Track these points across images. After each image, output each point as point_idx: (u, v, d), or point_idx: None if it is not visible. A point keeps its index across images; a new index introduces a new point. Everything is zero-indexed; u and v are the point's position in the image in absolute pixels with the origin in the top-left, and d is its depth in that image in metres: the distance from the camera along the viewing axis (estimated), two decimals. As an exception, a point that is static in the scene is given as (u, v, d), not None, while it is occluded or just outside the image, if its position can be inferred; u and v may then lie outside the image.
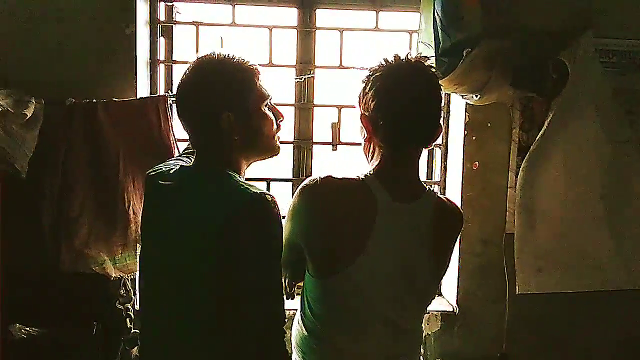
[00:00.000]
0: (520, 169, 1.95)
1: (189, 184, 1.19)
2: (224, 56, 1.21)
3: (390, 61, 1.24)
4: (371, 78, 1.23)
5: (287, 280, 1.40)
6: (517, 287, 1.97)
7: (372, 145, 1.27)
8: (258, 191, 1.10)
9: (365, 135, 1.27)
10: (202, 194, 1.15)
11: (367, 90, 1.23)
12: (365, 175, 1.21)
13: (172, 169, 1.25)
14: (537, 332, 2.10)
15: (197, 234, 1.11)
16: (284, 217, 1.20)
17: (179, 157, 1.50)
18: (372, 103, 1.21)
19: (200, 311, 1.13)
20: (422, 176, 2.22)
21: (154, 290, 1.24)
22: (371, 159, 1.27)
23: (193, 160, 1.26)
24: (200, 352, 1.14)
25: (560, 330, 2.11)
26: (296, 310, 1.37)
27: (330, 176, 1.19)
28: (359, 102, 1.27)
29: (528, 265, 1.97)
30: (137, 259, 1.78)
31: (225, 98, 1.18)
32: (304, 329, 1.28)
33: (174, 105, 1.97)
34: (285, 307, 1.15)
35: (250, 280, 1.08)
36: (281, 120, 1.31)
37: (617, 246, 1.98)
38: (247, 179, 2.06)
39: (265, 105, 1.24)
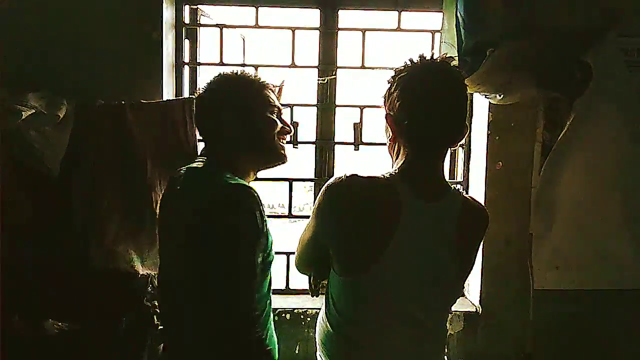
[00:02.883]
0: (542, 168, 1.95)
1: (189, 183, 1.28)
2: (235, 72, 1.39)
3: (415, 62, 1.25)
4: (396, 78, 1.24)
5: (312, 278, 1.43)
6: (533, 284, 1.97)
7: (397, 145, 1.28)
8: (234, 182, 1.20)
9: (391, 135, 1.28)
10: (195, 188, 1.25)
11: (392, 90, 1.24)
12: (391, 174, 1.22)
13: (183, 173, 1.32)
14: (561, 332, 2.08)
15: (183, 228, 1.21)
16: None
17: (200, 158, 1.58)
18: (397, 103, 1.22)
19: (189, 295, 1.22)
20: (445, 176, 2.21)
21: (164, 283, 1.35)
22: (396, 159, 1.28)
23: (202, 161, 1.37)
24: (192, 333, 1.23)
25: (584, 331, 2.08)
26: (318, 308, 1.41)
27: (355, 175, 1.20)
28: (384, 103, 1.28)
29: (545, 262, 1.98)
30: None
31: (223, 100, 1.33)
32: (328, 326, 1.29)
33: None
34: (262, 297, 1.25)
35: (217, 262, 1.15)
36: (288, 133, 1.41)
37: (636, 246, 1.96)
38: (269, 179, 2.13)
39: (272, 113, 1.36)
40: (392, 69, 1.28)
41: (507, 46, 1.75)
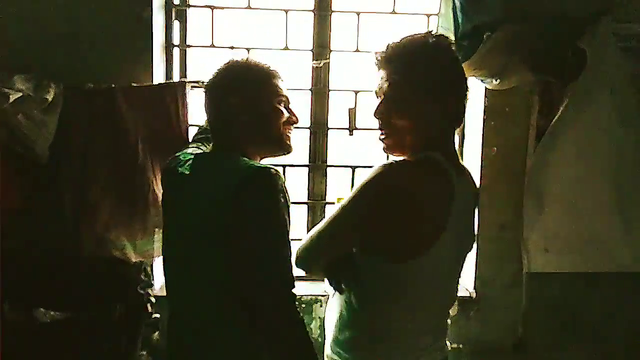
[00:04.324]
0: (534, 151, 1.96)
1: (203, 167, 1.28)
2: (246, 59, 1.38)
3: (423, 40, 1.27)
4: (420, 56, 1.23)
5: (333, 275, 1.32)
6: (524, 266, 2.00)
7: (419, 124, 1.22)
8: (260, 165, 1.20)
9: (407, 116, 1.22)
10: (212, 171, 1.26)
11: (428, 69, 1.23)
12: (433, 153, 1.20)
13: (188, 158, 1.33)
14: (554, 316, 2.12)
15: (206, 207, 1.20)
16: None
17: (195, 143, 1.60)
18: (430, 79, 1.21)
19: (214, 279, 1.21)
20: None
21: (174, 268, 1.34)
22: (413, 139, 1.23)
23: (211, 148, 1.39)
24: (218, 320, 1.23)
25: (577, 315, 2.13)
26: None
27: (406, 159, 1.21)
28: (407, 81, 1.22)
29: (536, 245, 2.01)
30: (158, 245, 1.80)
31: (230, 86, 1.32)
32: (357, 322, 1.27)
33: (190, 91, 1.97)
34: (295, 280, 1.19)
35: (255, 246, 1.16)
36: (294, 123, 1.39)
37: (625, 229, 2.00)
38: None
39: (280, 103, 1.34)
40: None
41: (504, 30, 1.74)
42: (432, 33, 1.27)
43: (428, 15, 2.09)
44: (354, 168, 2.19)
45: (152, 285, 1.83)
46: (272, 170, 1.18)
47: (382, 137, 1.27)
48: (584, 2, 1.92)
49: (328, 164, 2.18)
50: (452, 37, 1.82)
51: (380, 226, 1.17)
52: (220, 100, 1.32)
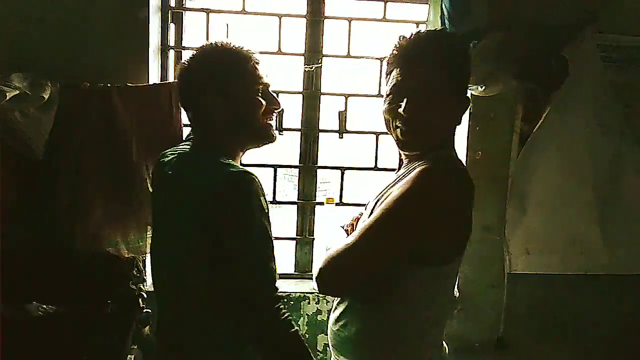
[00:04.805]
0: (517, 156, 2.03)
1: (183, 167, 1.26)
2: (219, 44, 1.29)
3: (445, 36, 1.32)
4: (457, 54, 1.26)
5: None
6: (506, 267, 2.07)
7: (448, 123, 1.25)
8: (237, 169, 1.17)
9: (439, 115, 1.22)
10: (190, 172, 1.24)
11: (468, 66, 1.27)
12: (451, 154, 1.24)
13: (171, 157, 1.31)
14: (536, 316, 2.17)
15: (186, 210, 1.19)
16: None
17: (185, 141, 1.55)
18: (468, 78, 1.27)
19: (198, 281, 1.21)
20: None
21: (159, 267, 1.34)
22: (433, 137, 1.23)
23: (189, 143, 1.35)
24: (201, 320, 1.23)
25: (559, 315, 2.19)
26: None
27: (447, 164, 1.20)
28: (444, 84, 1.21)
29: (517, 247, 2.09)
30: (148, 243, 1.83)
31: (204, 82, 1.25)
32: (401, 335, 1.24)
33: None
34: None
35: (233, 248, 1.14)
36: (276, 109, 1.32)
37: (603, 233, 2.09)
38: (253, 165, 2.13)
39: (259, 92, 1.28)
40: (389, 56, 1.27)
41: (490, 38, 1.81)
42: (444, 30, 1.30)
43: (417, 23, 2.15)
44: (343, 170, 2.24)
45: (144, 280, 1.86)
46: (247, 174, 1.15)
47: (402, 133, 1.22)
48: (569, 12, 1.99)
49: (318, 165, 2.23)
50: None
51: (433, 233, 1.14)
52: (196, 99, 1.27)
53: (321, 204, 2.15)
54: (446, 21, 1.87)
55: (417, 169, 1.16)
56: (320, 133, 2.20)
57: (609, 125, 2.04)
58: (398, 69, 1.22)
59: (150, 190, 1.83)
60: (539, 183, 2.07)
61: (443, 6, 1.87)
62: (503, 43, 1.83)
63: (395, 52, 1.25)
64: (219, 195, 1.14)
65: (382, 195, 1.23)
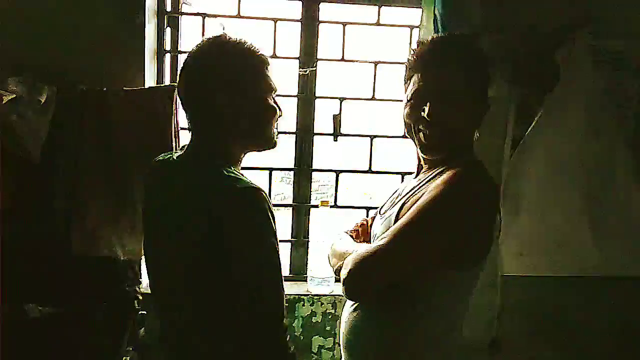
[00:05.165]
0: (510, 159, 2.05)
1: (181, 174, 1.18)
2: (235, 40, 1.18)
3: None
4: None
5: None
6: (499, 269, 2.08)
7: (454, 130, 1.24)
8: (247, 185, 1.09)
9: (467, 120, 1.26)
10: (192, 185, 1.14)
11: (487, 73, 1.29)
12: (475, 160, 1.27)
13: (168, 163, 1.24)
14: (528, 317, 2.18)
15: (187, 227, 1.11)
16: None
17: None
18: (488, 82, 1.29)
19: (197, 302, 1.14)
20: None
21: (156, 280, 1.28)
22: (457, 141, 1.25)
23: (187, 146, 1.23)
24: (202, 343, 1.17)
25: (552, 315, 2.20)
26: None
27: (477, 169, 1.22)
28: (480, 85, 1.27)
29: (511, 249, 2.10)
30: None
31: (226, 80, 1.15)
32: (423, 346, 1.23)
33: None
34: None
35: (242, 272, 1.08)
36: (280, 116, 1.27)
37: (594, 234, 2.11)
38: (248, 168, 2.15)
39: (272, 98, 1.23)
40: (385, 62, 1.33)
41: (483, 42, 1.83)
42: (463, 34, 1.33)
43: (411, 27, 2.18)
44: (337, 172, 2.26)
45: (139, 282, 1.87)
46: (258, 191, 1.08)
47: (425, 137, 1.23)
48: (561, 16, 2.02)
49: (313, 168, 2.25)
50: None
51: (467, 235, 1.14)
52: (207, 96, 1.16)
53: (316, 206, 2.17)
54: (439, 25, 1.90)
55: (450, 172, 1.16)
56: (315, 136, 2.22)
57: (600, 128, 2.06)
58: (419, 74, 1.24)
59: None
60: (532, 186, 2.09)
61: (436, 10, 1.90)
62: (495, 47, 1.86)
63: (414, 57, 1.27)
64: (229, 213, 1.07)
65: (408, 199, 1.23)
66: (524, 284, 2.14)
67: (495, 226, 1.24)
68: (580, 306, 2.20)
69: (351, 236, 1.44)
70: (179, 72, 1.23)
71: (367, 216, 2.21)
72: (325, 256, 1.43)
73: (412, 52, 1.29)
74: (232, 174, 1.11)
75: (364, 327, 1.25)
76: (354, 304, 1.29)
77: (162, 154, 1.32)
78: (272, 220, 1.10)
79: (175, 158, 1.23)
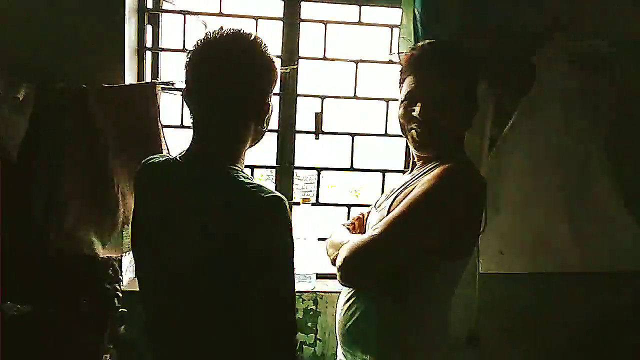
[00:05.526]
0: (488, 158, 2.08)
1: (194, 178, 1.09)
2: (257, 37, 1.12)
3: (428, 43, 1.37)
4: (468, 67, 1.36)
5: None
6: (479, 267, 2.12)
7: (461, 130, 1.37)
8: (270, 194, 1.03)
9: (454, 121, 1.32)
10: (209, 193, 1.06)
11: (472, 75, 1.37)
12: (465, 157, 1.33)
13: (167, 160, 1.18)
14: (506, 313, 2.23)
15: (205, 237, 1.04)
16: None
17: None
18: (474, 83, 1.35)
19: (209, 316, 1.08)
20: (400, 167, 2.32)
21: (157, 291, 1.17)
22: (451, 144, 1.34)
23: (191, 148, 1.14)
24: (208, 349, 1.11)
25: (529, 312, 2.24)
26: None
27: (465, 164, 1.30)
28: (465, 89, 1.33)
29: (491, 247, 2.14)
30: (127, 241, 1.85)
31: (267, 83, 1.13)
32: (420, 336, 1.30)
33: (161, 94, 2.03)
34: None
35: (261, 287, 1.03)
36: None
37: (572, 232, 2.16)
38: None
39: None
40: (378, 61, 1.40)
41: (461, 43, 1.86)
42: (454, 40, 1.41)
43: (391, 27, 2.19)
44: (319, 170, 2.28)
45: (119, 280, 1.88)
46: (282, 200, 1.03)
47: (417, 135, 1.31)
48: (538, 18, 2.05)
49: (295, 165, 2.26)
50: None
51: (456, 227, 1.21)
52: (224, 95, 1.09)
53: (297, 204, 2.18)
54: (419, 25, 1.92)
55: (441, 168, 1.24)
56: (296, 134, 2.24)
57: (576, 128, 2.11)
58: (412, 77, 1.33)
59: (131, 192, 1.85)
60: (510, 185, 2.13)
61: (416, 11, 1.92)
62: (473, 49, 1.89)
63: (408, 61, 1.35)
64: (254, 223, 1.01)
65: (400, 193, 1.31)
66: (503, 281, 2.18)
67: (482, 221, 1.33)
68: (558, 302, 2.25)
69: (348, 229, 1.52)
70: (192, 65, 1.11)
71: (350, 214, 2.27)
72: (324, 248, 1.48)
73: (406, 56, 1.37)
74: (249, 179, 1.07)
75: (362, 315, 1.30)
76: (349, 295, 1.35)
77: (155, 156, 1.23)
78: (292, 230, 1.07)
79: (178, 159, 1.14)
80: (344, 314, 1.35)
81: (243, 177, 1.07)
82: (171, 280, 1.12)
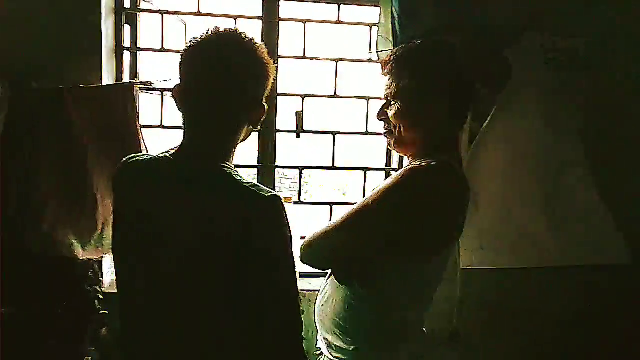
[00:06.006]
0: (468, 154, 2.11)
1: (188, 177, 1.07)
2: (253, 38, 1.12)
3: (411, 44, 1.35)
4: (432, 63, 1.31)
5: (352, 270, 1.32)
6: (460, 263, 2.14)
7: (434, 130, 1.30)
8: (270, 193, 1.03)
9: (415, 122, 1.30)
10: (205, 193, 1.04)
11: (423, 75, 1.30)
12: (447, 160, 1.25)
13: (154, 158, 1.14)
14: (488, 308, 2.25)
15: (203, 237, 1.02)
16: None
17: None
18: (434, 84, 1.28)
19: (209, 320, 1.06)
20: (381, 164, 2.33)
21: (146, 295, 1.12)
22: (426, 145, 1.31)
23: (182, 145, 1.13)
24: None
25: (509, 306, 2.26)
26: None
27: (430, 164, 1.21)
28: (420, 89, 1.29)
29: (471, 243, 2.16)
30: (107, 242, 1.83)
31: (262, 84, 1.14)
32: (375, 314, 1.31)
33: (140, 94, 2.02)
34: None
35: (265, 286, 1.02)
36: None
37: (550, 226, 2.17)
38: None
39: None
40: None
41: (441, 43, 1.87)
42: (435, 38, 1.39)
43: (370, 25, 2.20)
44: (301, 169, 2.29)
45: (99, 282, 1.86)
46: (278, 198, 1.03)
47: (389, 136, 1.35)
48: (512, 15, 2.08)
49: (276, 164, 2.26)
50: (391, 46, 1.94)
51: (409, 228, 1.20)
52: (232, 91, 1.08)
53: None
54: (396, 24, 1.93)
55: (406, 167, 1.25)
56: (277, 133, 2.24)
57: (553, 123, 2.13)
58: (387, 79, 1.34)
59: (109, 192, 1.84)
60: (490, 180, 2.15)
61: (393, 9, 1.93)
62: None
63: (385, 63, 1.36)
64: (250, 223, 1.00)
65: (375, 188, 1.33)
66: (482, 275, 2.20)
67: (457, 225, 1.30)
68: (538, 296, 2.28)
69: None
70: (187, 63, 1.10)
71: (332, 213, 2.27)
72: None
73: (383, 59, 1.39)
74: (243, 178, 1.06)
75: (331, 301, 1.35)
76: (324, 282, 1.42)
77: (136, 155, 1.19)
78: (290, 229, 1.07)
79: (168, 156, 1.11)
80: (320, 301, 1.42)
81: (238, 176, 1.06)
82: (163, 283, 1.07)
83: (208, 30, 1.10)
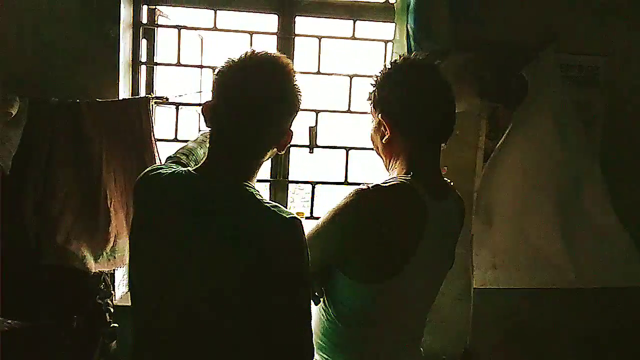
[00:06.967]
0: (482, 171, 2.09)
1: (208, 197, 1.07)
2: (289, 64, 1.13)
3: (399, 61, 1.29)
4: (387, 77, 1.26)
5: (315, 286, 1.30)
6: (473, 282, 2.10)
7: (395, 147, 1.26)
8: (290, 215, 1.03)
9: (387, 136, 1.25)
10: (227, 212, 1.04)
11: (386, 89, 1.26)
12: (406, 179, 1.19)
13: (177, 172, 1.12)
14: (501, 328, 2.21)
15: (223, 255, 1.02)
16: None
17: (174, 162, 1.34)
18: (396, 101, 1.23)
19: (223, 335, 1.05)
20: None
21: (161, 308, 1.10)
22: (395, 161, 1.27)
23: (205, 164, 1.12)
24: None
25: (523, 327, 2.23)
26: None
27: (379, 184, 1.18)
28: (375, 105, 1.28)
29: (485, 261, 2.13)
30: (120, 255, 1.84)
31: (293, 111, 1.14)
32: (338, 324, 1.26)
33: (156, 107, 2.04)
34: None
35: (284, 309, 1.03)
36: None
37: (567, 246, 2.13)
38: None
39: None
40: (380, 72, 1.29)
41: (453, 58, 1.87)
42: (411, 56, 1.32)
43: (385, 42, 2.21)
44: (314, 184, 2.28)
45: (111, 295, 1.87)
46: (299, 221, 1.04)
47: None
48: (529, 32, 2.07)
49: (289, 179, 2.26)
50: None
51: (354, 250, 1.16)
52: (252, 119, 1.08)
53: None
54: (411, 41, 1.93)
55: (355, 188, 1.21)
56: (291, 148, 2.24)
57: (570, 142, 2.11)
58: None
59: (126, 204, 1.85)
60: (504, 198, 2.13)
61: (408, 26, 1.93)
62: (465, 63, 1.91)
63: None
64: (270, 244, 1.00)
65: None
66: (496, 295, 2.17)
67: (400, 250, 1.18)
68: (553, 317, 2.24)
69: None
70: (222, 84, 1.10)
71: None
72: None
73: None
74: (262, 198, 1.06)
75: (317, 326, 1.30)
76: None
77: (159, 165, 1.20)
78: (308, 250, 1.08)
79: (192, 172, 1.10)
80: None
81: (259, 195, 1.07)
82: (179, 299, 1.06)
83: (247, 53, 1.10)
